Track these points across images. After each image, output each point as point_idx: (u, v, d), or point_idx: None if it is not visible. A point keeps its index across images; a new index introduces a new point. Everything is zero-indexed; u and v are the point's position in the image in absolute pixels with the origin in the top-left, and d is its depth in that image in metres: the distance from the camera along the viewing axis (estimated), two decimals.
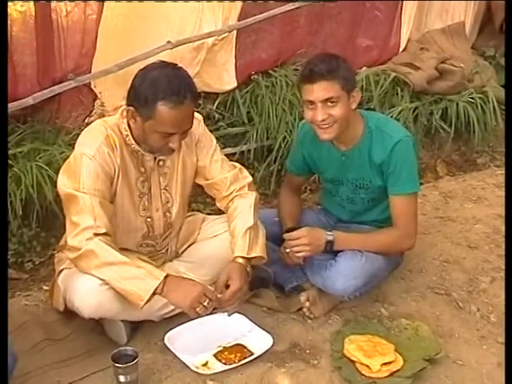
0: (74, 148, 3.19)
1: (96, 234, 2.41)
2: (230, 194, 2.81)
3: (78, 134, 3.31)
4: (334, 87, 2.64)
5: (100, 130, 2.54)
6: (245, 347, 2.66)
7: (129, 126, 2.55)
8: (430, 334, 2.75)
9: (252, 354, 2.62)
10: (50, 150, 3.25)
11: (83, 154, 2.47)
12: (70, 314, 2.71)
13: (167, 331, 2.65)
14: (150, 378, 2.51)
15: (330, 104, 2.66)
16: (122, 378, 2.37)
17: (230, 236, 2.76)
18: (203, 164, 2.79)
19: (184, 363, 2.55)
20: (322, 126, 2.72)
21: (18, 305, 2.97)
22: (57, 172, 3.09)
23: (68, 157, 3.14)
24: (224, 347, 2.66)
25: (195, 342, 2.61)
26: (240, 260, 2.67)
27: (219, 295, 2.58)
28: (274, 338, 2.67)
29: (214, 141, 2.84)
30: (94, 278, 2.47)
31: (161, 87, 2.38)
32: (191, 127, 2.55)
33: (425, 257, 3.47)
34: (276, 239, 2.94)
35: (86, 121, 3.54)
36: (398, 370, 2.52)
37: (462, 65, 4.80)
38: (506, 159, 2.83)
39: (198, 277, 2.83)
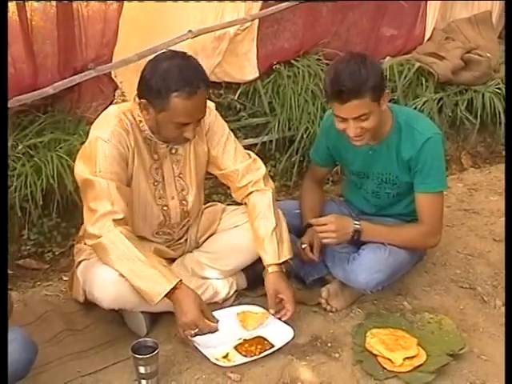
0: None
1: (114, 221, 2.42)
2: (245, 186, 2.81)
3: None
4: (365, 103, 2.58)
5: (113, 114, 2.56)
6: (265, 339, 2.66)
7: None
8: (454, 328, 2.73)
9: (273, 346, 2.61)
10: (70, 139, 3.26)
11: (98, 137, 2.48)
12: (90, 304, 2.72)
13: None
14: (170, 370, 2.52)
15: (362, 118, 2.62)
16: (142, 369, 2.38)
17: (254, 237, 2.78)
18: (215, 153, 2.79)
19: (204, 355, 2.55)
20: (354, 138, 2.70)
21: (39, 295, 3.00)
22: None
23: None
24: (245, 339, 2.66)
25: (216, 334, 2.60)
26: (275, 268, 2.70)
27: (272, 311, 2.71)
28: (294, 331, 2.67)
29: (227, 129, 2.83)
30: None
31: (173, 78, 2.38)
32: (205, 115, 2.55)
33: (449, 250, 3.44)
34: (297, 231, 2.94)
35: None
36: (420, 365, 2.51)
37: (489, 54, 4.73)
38: (506, 159, 2.79)
39: (219, 267, 2.87)
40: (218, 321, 2.54)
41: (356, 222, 2.79)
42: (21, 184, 3.05)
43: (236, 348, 2.62)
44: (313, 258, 2.87)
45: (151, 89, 2.42)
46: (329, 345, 2.67)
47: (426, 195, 2.80)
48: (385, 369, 2.52)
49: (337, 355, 2.63)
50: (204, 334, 2.51)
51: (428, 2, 4.86)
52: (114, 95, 3.58)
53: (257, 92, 4.03)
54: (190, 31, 3.62)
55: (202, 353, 2.56)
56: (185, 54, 2.51)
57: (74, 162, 3.08)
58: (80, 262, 2.71)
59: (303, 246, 2.87)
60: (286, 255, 2.73)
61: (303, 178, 3.35)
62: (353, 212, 3.17)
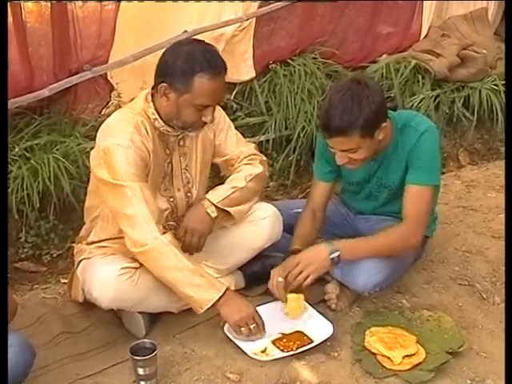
0: (90, 140, 3.24)
1: (157, 225, 2.44)
2: (241, 161, 2.86)
3: (95, 126, 3.36)
4: (353, 140, 2.53)
5: (128, 120, 2.54)
6: (305, 335, 2.65)
7: (155, 108, 2.55)
8: (453, 325, 2.73)
9: (312, 341, 2.61)
10: (66, 141, 3.25)
11: (118, 144, 2.46)
12: (88, 306, 2.73)
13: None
14: (169, 371, 2.52)
15: (349, 151, 2.59)
16: (140, 371, 2.37)
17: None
18: (219, 141, 2.83)
19: (242, 349, 2.55)
20: (345, 165, 2.69)
21: (37, 298, 2.99)
22: (73, 164, 3.13)
23: (85, 148, 3.18)
24: (283, 334, 2.66)
25: None
26: (207, 203, 2.71)
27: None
28: (334, 327, 2.66)
29: (227, 118, 2.88)
30: (112, 267, 2.52)
31: (197, 60, 2.42)
32: (223, 100, 2.57)
33: (447, 247, 3.44)
34: (292, 231, 2.93)
35: (102, 112, 3.54)
36: (420, 363, 2.51)
37: (485, 51, 4.73)
38: (505, 156, 2.78)
39: (217, 266, 2.89)
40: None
41: (330, 244, 2.68)
42: (17, 187, 3.05)
43: (274, 342, 2.61)
44: (281, 296, 2.70)
45: (175, 71, 2.43)
46: (328, 344, 2.66)
47: (415, 186, 2.72)
48: (384, 367, 2.51)
49: (336, 354, 2.62)
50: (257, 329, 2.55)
51: None
52: (110, 96, 3.59)
53: (253, 91, 4.03)
54: (185, 31, 3.62)
55: (239, 347, 2.57)
56: (204, 41, 2.58)
57: (70, 164, 3.13)
58: (80, 262, 2.71)
59: (279, 280, 2.69)
60: (231, 209, 2.73)
61: (300, 176, 3.34)
62: (350, 211, 3.17)
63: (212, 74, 2.42)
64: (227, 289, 2.51)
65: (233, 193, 2.75)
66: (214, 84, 2.45)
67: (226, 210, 2.73)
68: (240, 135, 2.91)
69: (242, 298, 2.60)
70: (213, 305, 2.46)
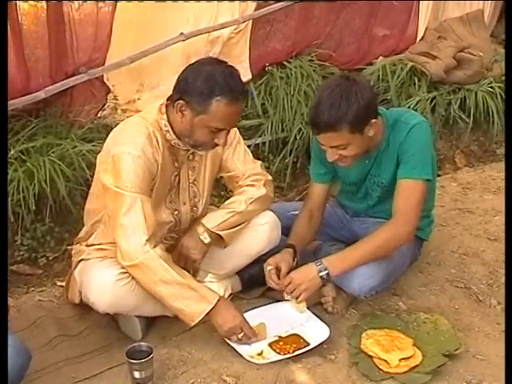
0: (87, 142, 3.24)
1: (148, 240, 2.41)
2: (245, 180, 2.84)
3: (91, 128, 3.36)
4: (342, 136, 2.55)
5: (140, 130, 2.52)
6: (301, 337, 2.65)
7: (168, 121, 2.54)
8: (450, 327, 2.73)
9: (308, 344, 2.61)
10: (62, 144, 3.25)
11: (129, 153, 2.45)
12: (84, 308, 2.72)
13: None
14: (166, 374, 2.51)
15: (339, 147, 2.60)
16: (136, 374, 2.37)
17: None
18: (226, 156, 2.81)
19: (238, 352, 2.56)
20: (335, 162, 2.69)
21: (32, 301, 2.98)
22: (69, 166, 3.13)
23: (81, 151, 3.17)
24: (280, 337, 2.66)
25: None
26: (201, 229, 2.71)
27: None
28: (331, 330, 2.66)
29: (237, 132, 2.86)
30: (110, 272, 2.51)
31: (218, 83, 2.40)
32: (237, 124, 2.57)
33: (443, 249, 3.44)
34: (289, 233, 2.93)
35: (98, 114, 3.54)
36: (416, 366, 2.51)
37: (481, 53, 4.75)
38: (505, 158, 2.78)
39: (214, 271, 2.89)
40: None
41: (318, 263, 2.68)
42: (13, 189, 3.04)
43: (270, 345, 2.61)
44: (276, 283, 2.75)
45: (194, 90, 2.42)
46: (324, 347, 2.66)
47: (405, 181, 2.70)
48: (381, 370, 2.51)
49: (332, 357, 2.62)
50: (246, 338, 2.57)
51: (420, 1, 4.88)
52: (107, 99, 3.59)
53: (249, 94, 4.02)
54: (181, 33, 3.62)
55: (235, 350, 2.57)
56: (226, 62, 2.55)
57: (66, 166, 3.12)
58: (78, 263, 2.70)
59: (268, 268, 2.75)
60: (223, 233, 2.72)
61: (297, 179, 3.33)
62: (347, 213, 3.17)
63: (230, 99, 2.41)
64: (219, 299, 2.49)
65: (231, 217, 2.74)
66: (232, 109, 2.44)
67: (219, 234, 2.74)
68: (248, 151, 2.89)
69: (230, 308, 2.57)
70: (204, 316, 2.46)
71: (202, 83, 2.41)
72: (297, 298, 2.71)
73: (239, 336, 2.55)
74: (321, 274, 2.66)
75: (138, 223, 2.41)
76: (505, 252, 2.44)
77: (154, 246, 2.43)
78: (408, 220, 2.70)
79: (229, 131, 2.56)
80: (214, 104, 2.41)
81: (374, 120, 2.60)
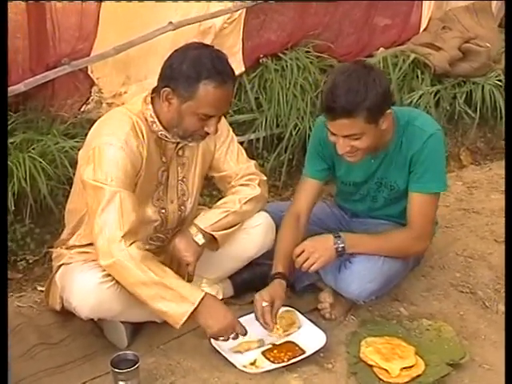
0: (69, 138, 3.23)
1: (124, 237, 2.39)
2: (238, 180, 2.84)
3: (74, 123, 3.34)
4: (357, 124, 2.53)
5: (124, 120, 2.52)
6: (296, 345, 2.65)
7: (154, 112, 2.54)
8: (454, 335, 2.73)
9: (304, 352, 2.61)
10: (43, 140, 3.24)
11: (111, 144, 2.44)
12: (66, 314, 2.71)
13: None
14: None
15: (352, 137, 2.58)
16: None
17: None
18: (218, 154, 2.81)
19: (231, 363, 2.55)
20: (344, 155, 2.67)
21: (11, 307, 2.94)
22: (51, 164, 3.12)
23: (63, 147, 3.16)
24: (274, 345, 2.66)
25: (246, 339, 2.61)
26: (194, 229, 2.70)
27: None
28: (327, 337, 2.66)
29: (231, 130, 2.86)
30: (93, 274, 2.50)
31: (204, 66, 2.41)
32: (228, 111, 2.55)
33: (447, 252, 3.45)
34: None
35: (82, 109, 3.52)
36: (419, 375, 2.51)
37: (488, 44, 4.74)
38: (505, 157, 2.78)
39: (206, 276, 2.89)
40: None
41: (336, 235, 2.72)
42: None
43: (264, 354, 2.61)
44: (268, 323, 2.64)
45: (180, 75, 2.42)
46: (321, 355, 2.66)
47: (420, 195, 2.76)
48: (381, 380, 2.51)
49: (330, 366, 2.62)
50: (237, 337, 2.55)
51: None
52: (91, 92, 3.57)
53: (242, 87, 4.03)
54: (170, 23, 3.61)
55: (229, 361, 2.56)
56: (212, 46, 2.57)
57: (47, 163, 3.11)
58: (59, 267, 2.69)
59: (263, 304, 2.65)
60: (218, 235, 2.71)
61: (292, 177, 3.32)
62: (345, 214, 3.16)
63: (218, 82, 2.41)
64: (204, 297, 2.44)
65: (225, 217, 2.74)
66: (220, 93, 2.43)
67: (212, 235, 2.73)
68: (242, 150, 2.89)
69: (221, 306, 2.54)
70: (189, 317, 2.41)
71: (189, 67, 2.40)
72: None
73: (230, 336, 2.52)
74: (337, 245, 2.67)
75: (114, 220, 2.40)
76: (505, 252, 2.43)
77: (131, 244, 2.40)
78: (425, 235, 2.83)
79: (219, 119, 2.54)
80: (201, 88, 2.40)
81: (389, 111, 2.61)
